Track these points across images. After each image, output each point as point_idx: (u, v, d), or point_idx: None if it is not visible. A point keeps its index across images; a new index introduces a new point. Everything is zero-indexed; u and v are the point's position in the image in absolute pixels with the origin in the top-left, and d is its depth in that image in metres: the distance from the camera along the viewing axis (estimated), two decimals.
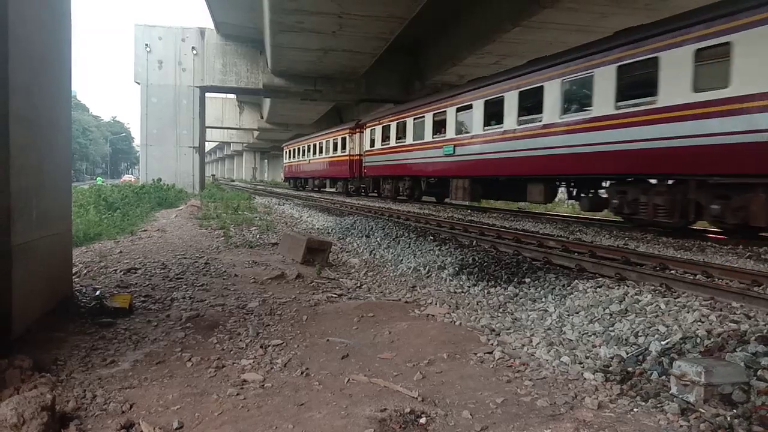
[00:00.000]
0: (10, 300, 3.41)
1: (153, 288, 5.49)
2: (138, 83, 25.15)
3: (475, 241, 8.96)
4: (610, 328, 4.15)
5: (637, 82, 10.16)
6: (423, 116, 18.80)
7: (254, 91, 27.30)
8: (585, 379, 3.32)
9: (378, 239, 9.39)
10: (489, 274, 6.38)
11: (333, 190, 32.85)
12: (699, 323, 3.96)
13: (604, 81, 10.67)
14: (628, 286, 5.22)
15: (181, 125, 25.37)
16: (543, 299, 5.30)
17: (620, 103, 10.32)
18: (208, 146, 76.47)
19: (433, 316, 4.78)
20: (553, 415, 2.77)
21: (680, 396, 2.92)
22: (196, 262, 6.96)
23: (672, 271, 6.26)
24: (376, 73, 24.66)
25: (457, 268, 6.78)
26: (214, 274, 6.32)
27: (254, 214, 14.64)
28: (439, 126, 17.67)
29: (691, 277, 5.87)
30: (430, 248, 8.03)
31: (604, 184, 12.13)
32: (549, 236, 9.40)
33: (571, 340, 4.11)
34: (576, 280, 5.61)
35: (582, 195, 12.50)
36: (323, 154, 31.20)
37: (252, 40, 24.61)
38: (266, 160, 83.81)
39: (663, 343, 3.64)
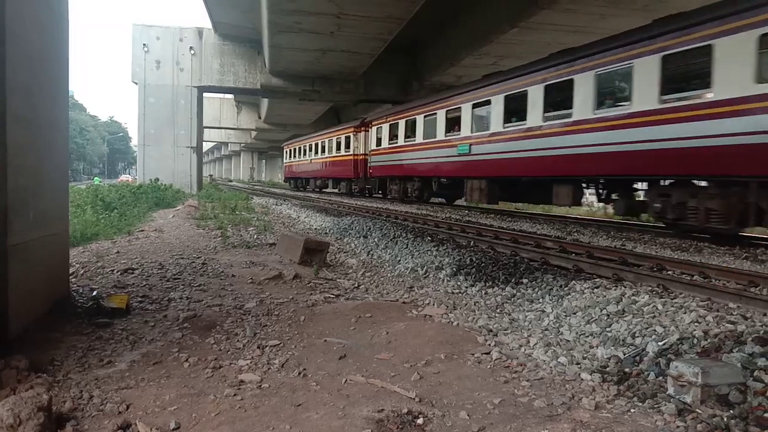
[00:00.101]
0: (7, 300, 3.40)
1: (150, 288, 5.48)
2: (136, 83, 25.15)
3: (472, 242, 8.97)
4: (608, 329, 4.16)
5: (687, 74, 9.38)
6: (435, 113, 17.82)
7: (252, 91, 27.31)
8: (582, 379, 3.33)
9: (376, 240, 9.39)
10: (486, 275, 6.39)
11: (335, 190, 31.83)
12: (696, 324, 3.97)
13: (646, 73, 9.71)
14: (625, 287, 5.23)
15: (178, 125, 25.36)
16: (540, 300, 5.30)
17: (666, 97, 9.38)
18: (206, 146, 76.39)
19: (430, 316, 4.79)
20: (551, 416, 2.78)
21: (677, 397, 2.92)
22: (194, 262, 6.95)
23: (669, 272, 6.27)
24: (374, 74, 24.69)
25: (454, 269, 6.78)
26: (211, 274, 6.31)
27: (252, 214, 14.62)
28: (453, 123, 16.71)
29: (688, 278, 5.89)
30: (427, 249, 8.04)
31: (635, 186, 11.32)
32: (546, 237, 9.41)
33: (568, 340, 4.12)
34: (573, 281, 5.62)
35: (616, 198, 11.49)
36: (326, 154, 30.19)
37: (250, 41, 24.61)
38: (264, 161, 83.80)
39: (660, 343, 3.65)
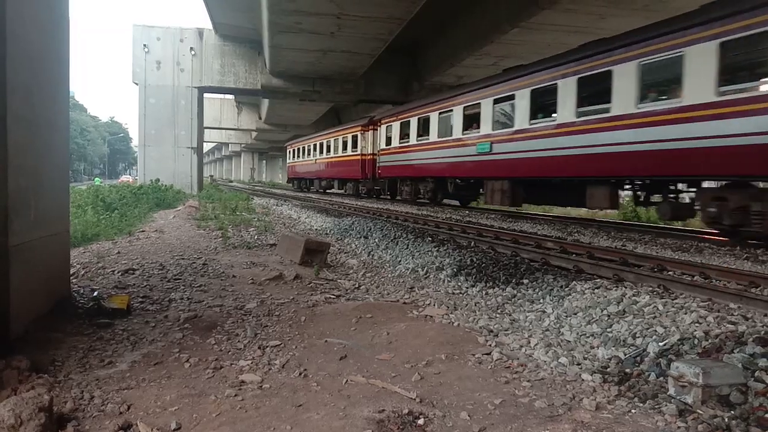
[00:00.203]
0: (8, 300, 3.41)
1: (151, 289, 5.49)
2: (136, 84, 25.17)
3: (473, 242, 8.96)
4: (608, 329, 4.16)
5: (751, 63, 8.53)
6: (451, 110, 16.56)
7: (253, 91, 27.32)
8: (583, 380, 3.33)
9: (376, 240, 9.39)
10: (487, 275, 6.39)
11: (341, 191, 30.51)
12: (697, 324, 3.97)
13: (701, 61, 8.72)
14: (626, 288, 5.23)
15: (179, 126, 25.38)
16: (541, 300, 5.30)
17: (723, 89, 8.42)
18: (206, 147, 76.36)
19: (431, 317, 4.79)
20: (551, 416, 2.78)
21: (678, 397, 2.92)
22: (194, 262, 6.96)
23: (670, 273, 6.26)
24: (374, 74, 24.70)
25: (455, 269, 6.78)
26: (212, 274, 6.32)
27: (252, 214, 14.63)
28: (472, 120, 15.56)
29: (689, 279, 5.88)
30: (428, 249, 8.03)
31: (677, 187, 10.40)
32: (547, 237, 9.39)
33: (569, 341, 4.12)
34: (574, 282, 5.61)
35: (660, 201, 10.58)
36: (331, 154, 28.87)
37: (250, 41, 24.63)
38: (264, 161, 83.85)
39: (661, 344, 3.65)
